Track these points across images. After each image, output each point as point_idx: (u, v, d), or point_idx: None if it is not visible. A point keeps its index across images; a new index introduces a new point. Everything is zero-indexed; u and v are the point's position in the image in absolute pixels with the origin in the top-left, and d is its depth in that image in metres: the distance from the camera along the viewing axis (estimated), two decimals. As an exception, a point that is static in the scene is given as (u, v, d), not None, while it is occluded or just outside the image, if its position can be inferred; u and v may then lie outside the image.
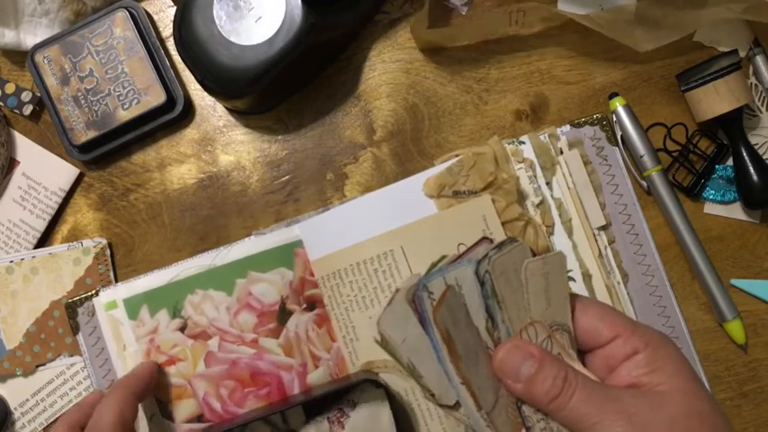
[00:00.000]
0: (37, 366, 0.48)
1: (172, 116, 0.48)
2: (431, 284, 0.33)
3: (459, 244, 0.43)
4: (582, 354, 0.34)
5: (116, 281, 0.49)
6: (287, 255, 0.45)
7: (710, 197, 0.46)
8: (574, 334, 0.33)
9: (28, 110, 0.49)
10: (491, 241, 0.35)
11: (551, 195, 0.45)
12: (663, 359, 0.31)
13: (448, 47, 0.48)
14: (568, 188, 0.45)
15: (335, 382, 0.44)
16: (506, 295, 0.33)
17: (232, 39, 0.44)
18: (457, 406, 0.34)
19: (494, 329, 0.34)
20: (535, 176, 0.45)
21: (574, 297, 0.34)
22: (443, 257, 0.35)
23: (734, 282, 0.45)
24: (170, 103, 0.48)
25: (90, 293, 0.47)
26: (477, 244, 0.35)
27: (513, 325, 0.33)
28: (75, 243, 0.48)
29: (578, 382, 0.31)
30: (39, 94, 0.49)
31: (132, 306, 0.46)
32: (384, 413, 0.40)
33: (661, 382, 0.30)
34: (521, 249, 0.34)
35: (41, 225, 0.49)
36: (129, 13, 0.48)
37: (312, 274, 0.45)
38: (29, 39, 0.49)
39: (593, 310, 0.33)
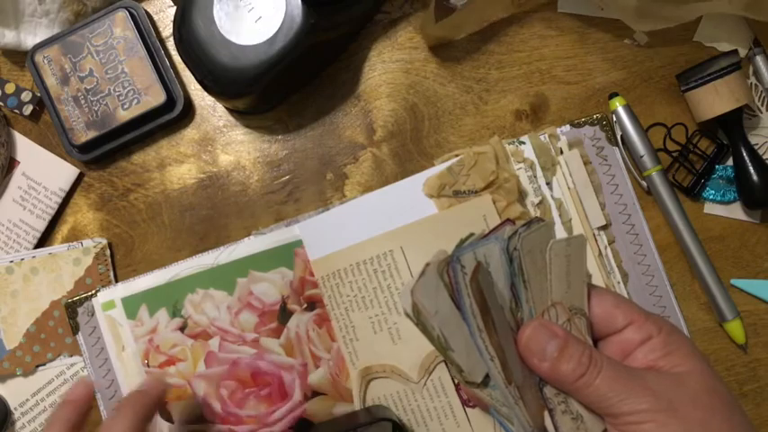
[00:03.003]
0: (37, 366, 0.48)
1: (172, 116, 0.48)
2: (463, 258, 0.32)
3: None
4: (594, 342, 0.34)
5: (116, 281, 0.49)
6: (287, 255, 0.45)
7: (710, 197, 0.46)
8: (589, 320, 0.34)
9: (28, 110, 0.49)
10: (514, 223, 0.35)
11: (551, 195, 0.45)
12: (676, 342, 0.32)
13: (456, 39, 0.48)
14: (568, 188, 0.45)
15: (346, 420, 0.43)
16: (532, 275, 0.33)
17: (232, 39, 0.44)
18: (485, 382, 0.33)
19: (517, 309, 0.34)
20: (535, 176, 0.45)
21: (588, 285, 0.35)
22: (471, 234, 0.35)
23: (734, 282, 0.45)
24: (170, 103, 0.48)
25: (90, 293, 0.47)
26: (501, 225, 0.35)
27: (536, 306, 0.33)
28: (75, 243, 0.48)
29: (604, 361, 0.31)
30: (39, 94, 0.49)
31: (131, 306, 0.46)
32: None
33: (677, 363, 0.32)
34: (547, 229, 0.34)
35: (41, 225, 0.49)
36: (129, 13, 0.48)
37: (312, 274, 0.45)
38: (29, 39, 0.49)
39: (608, 297, 0.34)
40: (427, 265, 0.32)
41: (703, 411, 0.30)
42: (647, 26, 0.44)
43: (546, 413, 0.33)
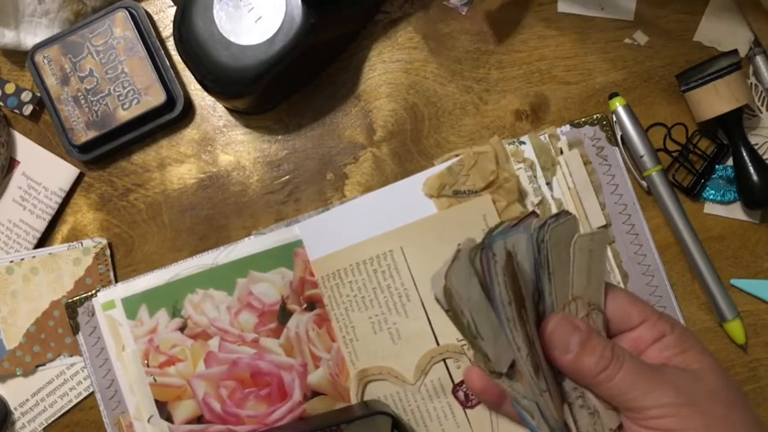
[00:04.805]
0: (37, 366, 0.48)
1: (172, 116, 0.48)
2: (495, 246, 0.32)
3: (460, 244, 0.43)
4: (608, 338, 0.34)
5: (116, 281, 0.49)
6: (287, 255, 0.45)
7: (710, 197, 0.46)
8: (605, 316, 0.34)
9: (28, 110, 0.49)
10: (538, 216, 0.34)
11: (551, 195, 0.45)
12: (689, 341, 0.33)
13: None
14: (568, 188, 0.45)
15: (343, 412, 0.43)
16: (556, 268, 0.33)
17: (232, 39, 0.44)
18: (509, 374, 0.33)
19: (539, 302, 0.33)
20: (535, 176, 0.45)
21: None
22: (501, 223, 0.34)
23: (734, 282, 0.45)
24: (170, 103, 0.48)
25: (90, 293, 0.47)
26: (528, 216, 0.34)
27: (558, 299, 0.33)
28: (75, 243, 0.48)
29: (626, 355, 0.32)
30: (39, 94, 0.49)
31: (131, 306, 0.46)
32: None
33: (692, 361, 0.32)
34: (573, 222, 0.34)
35: (41, 225, 0.49)
36: (129, 13, 0.48)
37: (312, 274, 0.45)
38: (29, 39, 0.49)
39: (622, 294, 0.35)
40: (458, 250, 0.31)
41: (722, 406, 0.31)
42: None
43: (565, 406, 0.33)
